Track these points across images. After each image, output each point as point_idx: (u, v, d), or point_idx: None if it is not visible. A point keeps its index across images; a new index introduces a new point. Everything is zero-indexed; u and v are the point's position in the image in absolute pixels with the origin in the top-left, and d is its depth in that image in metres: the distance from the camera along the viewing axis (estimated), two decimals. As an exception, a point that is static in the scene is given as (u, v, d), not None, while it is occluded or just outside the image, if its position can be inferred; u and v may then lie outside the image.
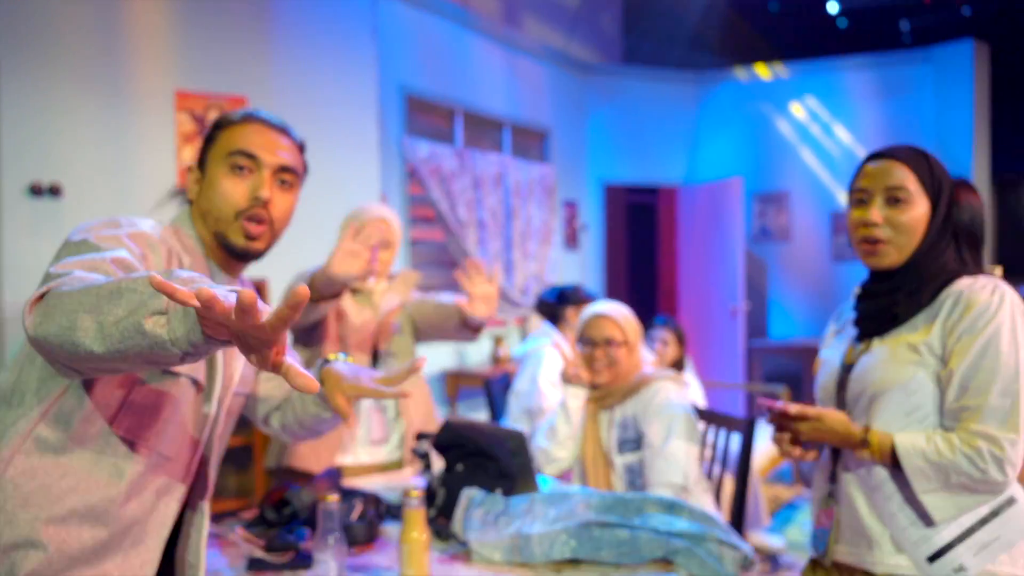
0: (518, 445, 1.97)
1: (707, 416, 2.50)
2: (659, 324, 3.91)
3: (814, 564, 1.61)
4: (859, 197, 1.47)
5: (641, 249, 8.60)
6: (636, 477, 2.29)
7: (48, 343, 0.96)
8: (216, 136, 1.36)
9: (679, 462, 2.20)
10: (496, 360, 5.25)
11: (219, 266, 1.37)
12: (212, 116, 3.52)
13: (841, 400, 1.51)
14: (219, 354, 1.32)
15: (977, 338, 1.34)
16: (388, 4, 4.67)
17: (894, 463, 1.38)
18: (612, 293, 7.07)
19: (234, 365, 1.38)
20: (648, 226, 8.53)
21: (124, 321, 0.90)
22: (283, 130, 1.38)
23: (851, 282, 6.23)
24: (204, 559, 1.34)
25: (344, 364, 1.49)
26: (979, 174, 6.36)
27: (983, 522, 1.36)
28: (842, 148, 6.76)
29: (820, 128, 6.87)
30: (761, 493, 3.89)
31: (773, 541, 3.81)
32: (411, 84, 4.94)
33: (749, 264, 6.95)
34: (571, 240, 6.59)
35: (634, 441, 2.31)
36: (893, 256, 1.45)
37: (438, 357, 5.00)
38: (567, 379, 2.40)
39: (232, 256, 1.36)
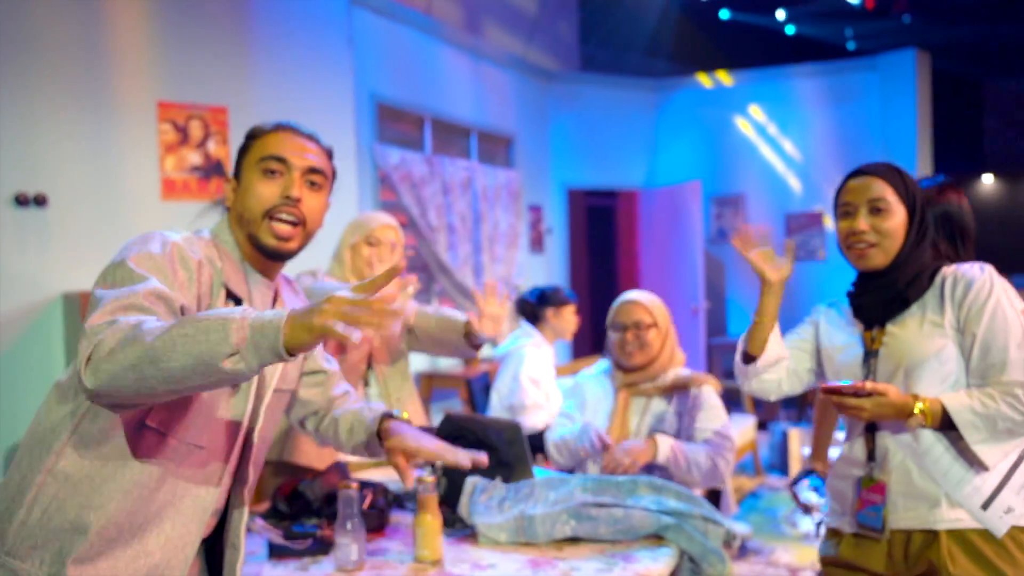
0: (515, 436, 2.10)
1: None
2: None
3: (844, 538, 1.73)
4: (845, 210, 1.68)
5: (603, 251, 8.81)
6: (660, 473, 2.34)
7: (112, 399, 1.09)
8: (249, 146, 1.44)
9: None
10: (466, 361, 5.37)
11: (255, 268, 1.43)
12: (194, 126, 3.60)
13: (866, 380, 1.67)
14: None
15: (986, 306, 1.56)
16: (360, 13, 4.77)
17: (944, 423, 1.55)
18: (576, 293, 7.24)
19: (273, 368, 1.44)
20: (610, 229, 8.74)
21: (194, 367, 1.06)
22: (311, 136, 1.46)
23: (806, 281, 6.50)
24: (244, 541, 1.42)
25: (408, 426, 1.56)
26: (923, 174, 6.69)
27: (1015, 466, 1.56)
28: (795, 152, 7.05)
29: (774, 132, 7.14)
30: (729, 482, 4.08)
31: (740, 528, 4.00)
32: (381, 92, 5.04)
33: (708, 264, 7.19)
34: (536, 243, 6.75)
35: (670, 435, 2.37)
36: (880, 258, 1.66)
37: (411, 359, 5.10)
38: (609, 470, 2.29)
39: (265, 256, 1.41)
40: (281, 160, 1.39)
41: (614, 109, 7.33)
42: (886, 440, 1.65)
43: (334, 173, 1.50)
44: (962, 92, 8.57)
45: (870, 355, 1.69)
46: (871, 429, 1.68)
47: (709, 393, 2.43)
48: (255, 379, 1.42)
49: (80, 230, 3.34)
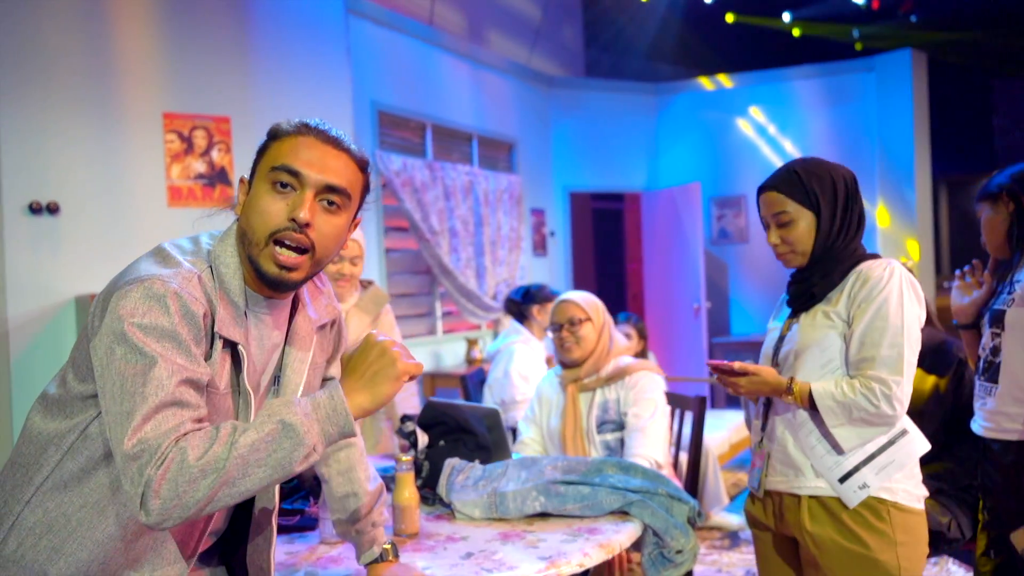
0: (494, 422, 2.23)
1: (668, 397, 2.78)
2: (622, 320, 4.20)
3: (752, 498, 1.94)
4: (764, 223, 1.85)
5: (607, 253, 8.92)
6: (614, 454, 2.51)
7: (183, 522, 1.04)
8: (267, 147, 1.22)
9: (658, 440, 2.46)
10: (470, 361, 5.50)
11: (255, 290, 1.23)
12: (198, 135, 3.76)
13: (775, 361, 1.87)
14: (257, 389, 1.28)
15: (871, 304, 1.69)
16: (359, 24, 4.92)
17: (811, 405, 1.73)
18: (580, 296, 7.34)
19: (290, 387, 1.31)
20: (613, 231, 8.86)
21: (271, 477, 1.05)
22: (339, 143, 1.22)
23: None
24: (273, 564, 1.35)
25: (395, 569, 1.51)
26: (920, 175, 6.75)
27: (881, 449, 1.71)
28: (794, 152, 7.13)
29: (773, 133, 7.23)
30: (720, 476, 4.18)
31: (732, 520, 4.11)
32: (383, 100, 5.19)
33: (710, 265, 7.28)
34: (539, 246, 6.87)
35: (614, 423, 2.54)
36: (798, 260, 1.82)
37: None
38: None
39: (265, 284, 1.21)
40: (294, 173, 1.17)
41: (615, 113, 7.45)
42: (774, 415, 1.83)
43: (367, 185, 1.28)
44: (970, 92, 8.61)
45: (780, 340, 1.86)
46: (768, 404, 1.86)
47: (646, 382, 2.53)
48: (257, 394, 1.29)
49: (91, 236, 3.50)
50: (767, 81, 7.28)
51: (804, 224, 1.78)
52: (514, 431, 3.00)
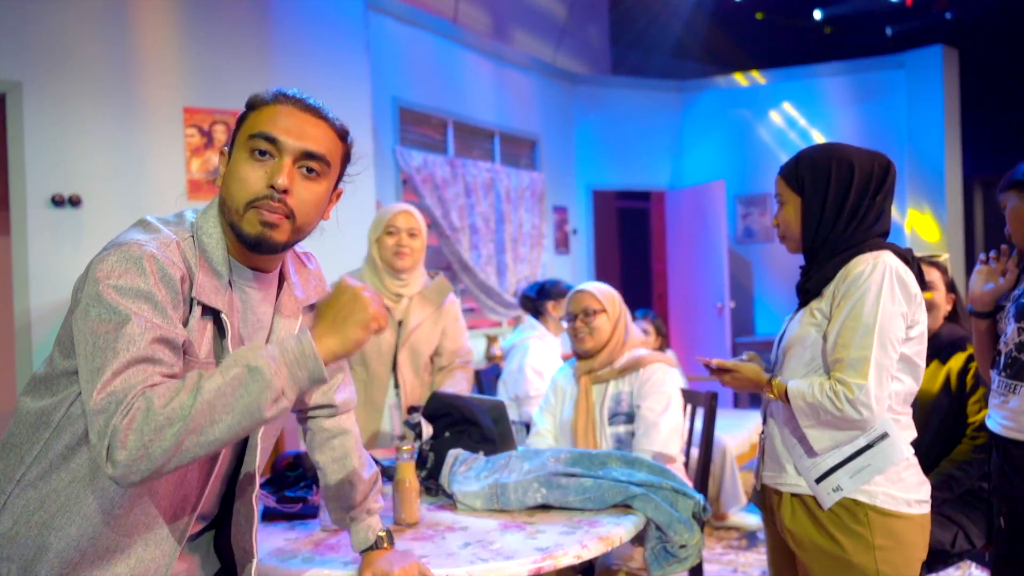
0: (499, 414, 2.22)
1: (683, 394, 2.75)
2: (640, 316, 4.17)
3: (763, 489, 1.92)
4: None
5: (632, 252, 8.87)
6: (624, 447, 2.49)
7: (146, 482, 1.02)
8: (246, 117, 1.22)
9: (669, 435, 2.42)
10: (490, 358, 5.49)
11: (240, 261, 1.24)
12: (218, 130, 3.80)
13: (776, 356, 1.84)
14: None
15: (848, 301, 1.63)
16: (381, 20, 4.95)
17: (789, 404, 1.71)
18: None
19: None
20: (638, 230, 8.81)
21: (239, 424, 1.03)
22: (317, 112, 1.22)
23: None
24: (256, 545, 1.34)
25: (390, 555, 1.48)
26: (951, 174, 6.62)
27: (859, 452, 1.67)
28: (821, 151, 7.03)
29: (799, 132, 7.14)
30: (738, 476, 4.14)
31: (750, 520, 4.06)
32: (404, 96, 5.21)
33: (735, 264, 7.21)
34: (562, 244, 6.85)
35: (626, 415, 2.50)
36: (791, 244, 1.80)
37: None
38: None
39: (248, 248, 1.21)
40: (272, 140, 1.17)
41: (639, 110, 7.41)
42: (771, 410, 1.82)
43: (347, 155, 1.28)
44: (1007, 90, 8.44)
45: (782, 335, 1.84)
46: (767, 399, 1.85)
47: (659, 374, 2.50)
48: None
49: (112, 228, 3.52)
50: (794, 78, 7.19)
51: (792, 208, 1.75)
52: (527, 426, 3.00)
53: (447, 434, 2.20)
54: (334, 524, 1.61)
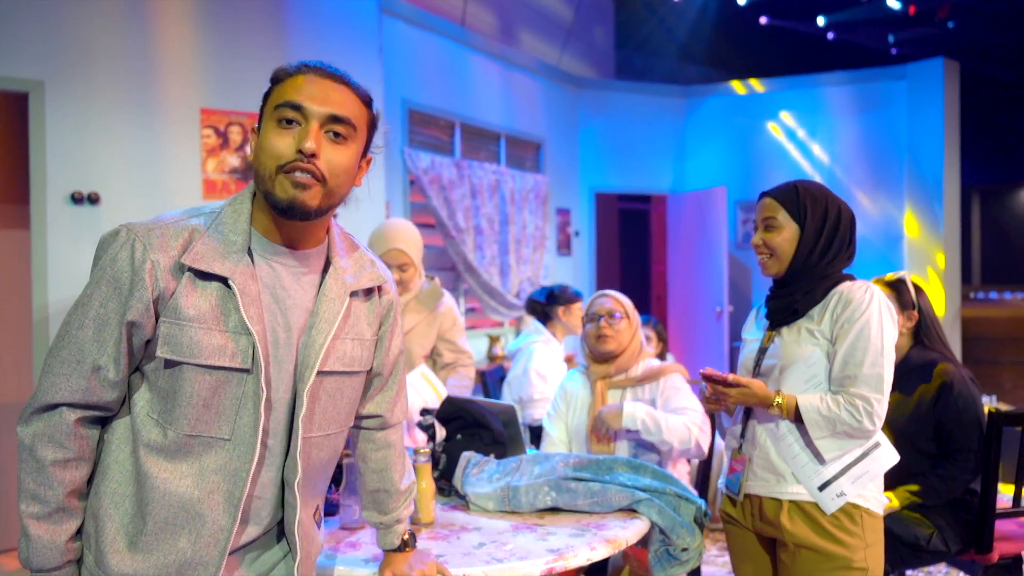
0: (510, 418, 2.31)
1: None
2: (643, 322, 4.25)
3: (730, 500, 2.03)
4: (755, 226, 1.94)
5: (632, 254, 8.96)
6: (642, 454, 2.52)
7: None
8: (271, 91, 1.25)
9: (705, 423, 2.52)
10: (492, 358, 5.58)
11: (273, 237, 1.27)
12: (233, 131, 3.87)
13: (757, 372, 1.95)
14: (276, 342, 1.27)
15: (854, 325, 1.79)
16: (392, 23, 5.02)
17: (796, 417, 1.83)
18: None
19: (314, 348, 1.29)
20: (639, 232, 8.90)
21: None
22: (341, 78, 1.25)
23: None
24: (298, 538, 1.32)
25: (411, 558, 1.57)
26: (950, 184, 6.71)
27: (857, 460, 1.82)
28: (821, 159, 7.13)
29: (801, 139, 7.23)
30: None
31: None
32: (413, 98, 5.28)
33: (734, 269, 7.30)
34: (564, 246, 6.93)
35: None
36: (774, 267, 1.92)
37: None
38: (597, 436, 2.53)
39: (282, 215, 1.22)
40: (297, 108, 1.20)
41: (643, 114, 7.49)
42: (756, 423, 1.92)
43: (372, 122, 1.31)
44: (1006, 101, 8.53)
45: (761, 352, 1.94)
46: (748, 413, 1.95)
47: (678, 380, 2.60)
48: (288, 362, 1.28)
49: (129, 226, 3.63)
50: (797, 87, 7.27)
51: (787, 235, 1.87)
52: (531, 428, 3.07)
53: (459, 436, 2.29)
54: (362, 520, 1.68)
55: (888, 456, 1.85)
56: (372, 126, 1.31)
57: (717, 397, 1.90)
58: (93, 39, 3.52)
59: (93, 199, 3.50)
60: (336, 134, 1.22)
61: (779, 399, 1.83)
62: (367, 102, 1.29)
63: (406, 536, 1.59)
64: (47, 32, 3.41)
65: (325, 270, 1.33)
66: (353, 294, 1.35)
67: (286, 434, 1.30)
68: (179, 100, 3.76)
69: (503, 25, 6.57)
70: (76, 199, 3.47)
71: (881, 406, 1.77)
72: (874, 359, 1.77)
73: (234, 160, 3.88)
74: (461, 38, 5.71)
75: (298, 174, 1.19)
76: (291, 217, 1.22)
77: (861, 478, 1.81)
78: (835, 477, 1.81)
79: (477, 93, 5.92)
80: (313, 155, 1.19)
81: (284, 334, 1.28)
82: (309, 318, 1.30)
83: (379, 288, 1.42)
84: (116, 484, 1.24)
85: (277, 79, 1.25)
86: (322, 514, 1.48)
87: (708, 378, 1.90)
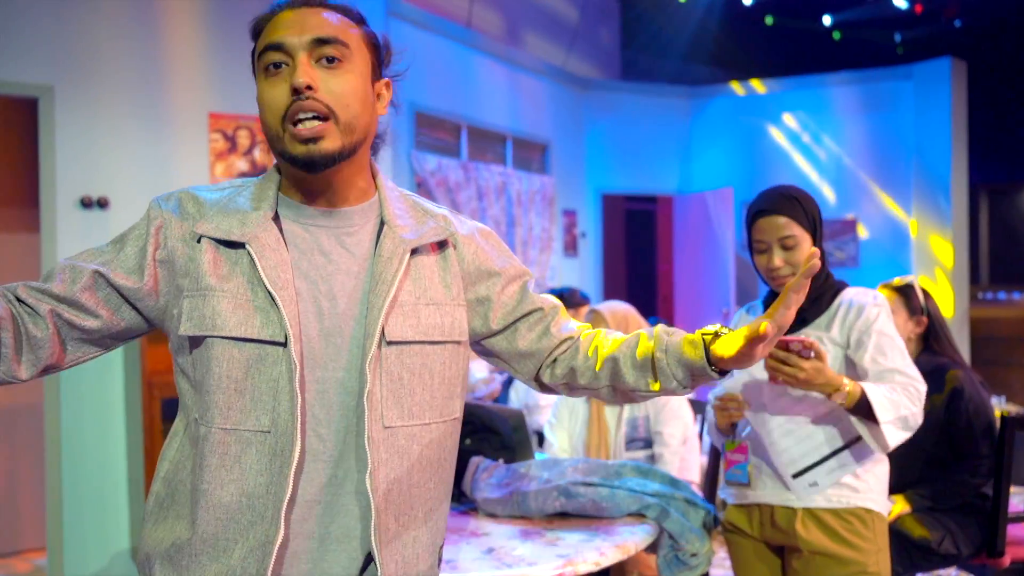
0: (518, 423, 2.31)
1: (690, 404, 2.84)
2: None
3: (735, 508, 1.99)
4: (760, 247, 1.87)
5: (638, 254, 8.96)
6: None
7: None
8: (254, 48, 1.13)
9: (693, 462, 2.55)
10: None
11: (307, 200, 1.14)
12: (241, 135, 3.89)
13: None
14: (319, 312, 1.11)
15: (873, 328, 1.82)
16: (398, 26, 5.02)
17: (859, 406, 1.72)
18: (611, 297, 7.41)
19: (373, 315, 1.10)
20: (645, 233, 8.90)
21: None
22: (314, 3, 1.13)
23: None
24: (382, 561, 1.10)
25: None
26: (957, 183, 6.70)
27: (835, 453, 1.83)
28: (828, 159, 7.11)
29: (808, 140, 7.22)
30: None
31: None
32: (419, 101, 5.29)
33: (741, 270, 7.29)
34: (570, 247, 6.93)
35: (643, 440, 2.59)
36: (789, 280, 1.88)
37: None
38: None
39: (303, 169, 1.09)
40: (277, 47, 1.07)
41: (649, 115, 7.48)
42: (760, 426, 1.89)
43: (371, 40, 1.16)
44: (1014, 100, 8.50)
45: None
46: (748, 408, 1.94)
47: (673, 398, 2.58)
48: (340, 335, 1.11)
49: (137, 230, 3.65)
50: (803, 87, 7.26)
51: (805, 245, 1.85)
52: (538, 433, 3.08)
53: (468, 441, 2.29)
54: (639, 391, 1.22)
55: (868, 452, 1.83)
56: (372, 44, 1.16)
57: (785, 370, 1.70)
58: (102, 45, 3.54)
59: (102, 203, 3.52)
60: (329, 59, 1.08)
61: (848, 385, 1.71)
62: (357, 19, 1.16)
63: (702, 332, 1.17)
64: (56, 38, 3.43)
65: (380, 232, 1.16)
66: (415, 252, 1.16)
67: (355, 424, 1.10)
68: (187, 105, 3.78)
69: (509, 27, 6.58)
70: (85, 203, 3.49)
71: (923, 389, 1.81)
72: (902, 354, 1.82)
73: (242, 164, 3.90)
74: (467, 40, 5.72)
75: (301, 117, 1.05)
76: (316, 169, 1.08)
77: (835, 471, 1.82)
78: (810, 467, 1.83)
79: (483, 95, 5.92)
80: (310, 87, 1.05)
81: (327, 303, 1.11)
82: (364, 284, 1.13)
83: (453, 243, 1.21)
84: (179, 507, 1.13)
85: (255, 32, 1.13)
86: (441, 555, 1.21)
87: (785, 345, 1.69)
